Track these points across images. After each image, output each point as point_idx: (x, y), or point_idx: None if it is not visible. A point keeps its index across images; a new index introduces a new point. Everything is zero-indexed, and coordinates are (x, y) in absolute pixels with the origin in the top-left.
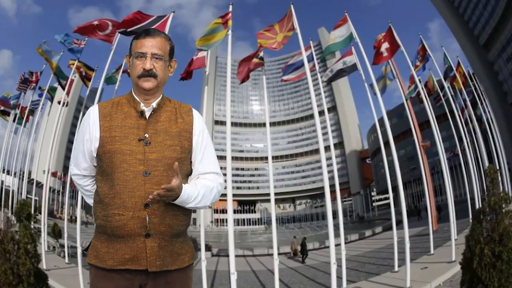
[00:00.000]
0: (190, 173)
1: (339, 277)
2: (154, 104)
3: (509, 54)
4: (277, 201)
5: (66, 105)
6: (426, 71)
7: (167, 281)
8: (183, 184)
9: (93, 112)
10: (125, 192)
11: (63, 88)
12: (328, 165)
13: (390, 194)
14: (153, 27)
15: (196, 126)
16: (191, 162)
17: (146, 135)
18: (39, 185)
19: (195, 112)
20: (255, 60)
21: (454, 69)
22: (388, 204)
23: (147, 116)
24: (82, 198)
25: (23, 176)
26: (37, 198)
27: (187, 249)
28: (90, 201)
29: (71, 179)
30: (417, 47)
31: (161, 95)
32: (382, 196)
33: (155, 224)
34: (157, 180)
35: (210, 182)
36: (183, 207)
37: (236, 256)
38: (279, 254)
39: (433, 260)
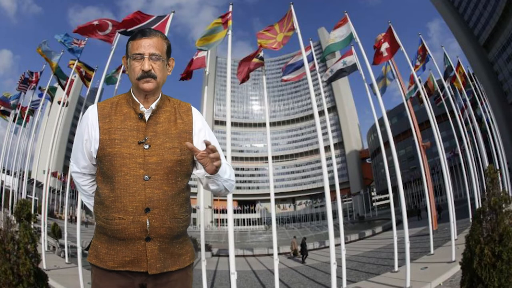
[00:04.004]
0: (190, 173)
1: (339, 277)
2: (153, 106)
3: (509, 54)
4: (277, 201)
5: (66, 105)
6: (426, 71)
7: (168, 280)
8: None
9: (92, 112)
10: (126, 196)
11: (63, 88)
12: (328, 165)
13: (390, 194)
14: (153, 27)
15: (196, 125)
16: (193, 162)
17: (146, 138)
18: (39, 185)
19: (194, 111)
20: (255, 60)
21: (454, 69)
22: (388, 204)
23: (146, 118)
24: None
25: (23, 176)
26: (37, 198)
27: (188, 249)
28: (86, 201)
29: (71, 178)
30: (417, 47)
31: (160, 95)
32: (382, 196)
33: (156, 228)
34: (158, 185)
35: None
36: (184, 208)
37: (236, 256)
38: (279, 254)
39: (433, 260)
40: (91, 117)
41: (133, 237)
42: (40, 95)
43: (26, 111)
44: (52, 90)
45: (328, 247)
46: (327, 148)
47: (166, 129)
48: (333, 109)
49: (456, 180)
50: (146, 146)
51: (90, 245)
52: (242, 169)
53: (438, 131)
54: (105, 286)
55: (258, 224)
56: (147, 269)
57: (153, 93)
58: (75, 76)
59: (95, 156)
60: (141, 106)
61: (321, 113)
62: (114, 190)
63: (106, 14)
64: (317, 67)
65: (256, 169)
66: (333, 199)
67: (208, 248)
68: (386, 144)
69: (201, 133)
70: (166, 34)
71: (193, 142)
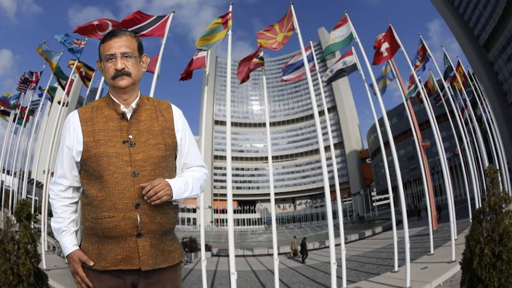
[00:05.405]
0: (175, 168)
1: (339, 277)
2: (133, 105)
3: (509, 54)
4: (277, 201)
5: (66, 105)
6: (426, 71)
7: (159, 279)
8: (168, 180)
9: (73, 118)
10: (115, 194)
11: (63, 88)
12: (328, 165)
13: (390, 194)
14: (153, 27)
15: (177, 122)
16: (175, 157)
17: (130, 136)
18: (39, 185)
19: (174, 108)
20: (255, 60)
21: (454, 69)
22: (388, 204)
23: (128, 118)
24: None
25: (23, 176)
26: (37, 198)
27: (176, 246)
28: (55, 226)
29: None
30: (417, 47)
31: (138, 94)
32: (382, 196)
33: (146, 224)
34: (146, 180)
35: (196, 173)
36: (172, 205)
37: (236, 256)
38: (279, 254)
39: (433, 260)
40: (72, 121)
41: (124, 234)
42: (40, 95)
43: (26, 111)
44: (52, 90)
45: (328, 247)
46: (327, 148)
47: (148, 126)
48: (333, 109)
49: (456, 180)
50: (131, 144)
51: (80, 248)
52: (242, 169)
53: (438, 131)
54: (96, 287)
55: (258, 224)
56: (139, 266)
57: (131, 90)
58: (75, 76)
59: (79, 160)
60: (122, 106)
61: (321, 113)
62: (103, 189)
63: (106, 14)
64: (317, 67)
65: (256, 169)
66: (333, 199)
67: (208, 248)
68: (386, 144)
69: (183, 132)
70: (166, 34)
71: (175, 138)
